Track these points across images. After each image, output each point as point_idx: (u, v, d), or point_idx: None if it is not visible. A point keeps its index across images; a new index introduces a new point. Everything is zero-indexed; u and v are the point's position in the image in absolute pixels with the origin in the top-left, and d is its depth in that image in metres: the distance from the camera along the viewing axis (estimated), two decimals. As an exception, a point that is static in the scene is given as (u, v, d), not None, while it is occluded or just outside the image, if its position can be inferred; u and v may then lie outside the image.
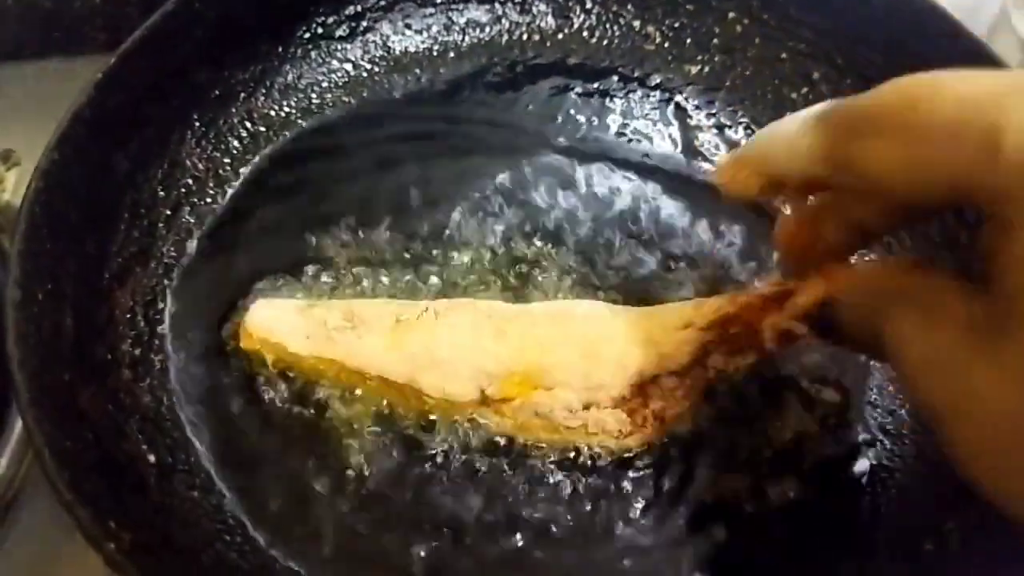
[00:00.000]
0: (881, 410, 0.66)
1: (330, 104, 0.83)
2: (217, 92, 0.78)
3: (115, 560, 0.47)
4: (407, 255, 0.72)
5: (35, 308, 0.58)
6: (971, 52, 0.71)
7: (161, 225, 0.71)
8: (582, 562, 0.59)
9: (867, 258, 0.73)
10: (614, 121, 0.82)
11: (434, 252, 0.72)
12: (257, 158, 0.79)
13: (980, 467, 0.38)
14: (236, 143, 0.78)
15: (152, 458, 0.60)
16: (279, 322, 0.66)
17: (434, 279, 0.71)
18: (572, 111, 0.83)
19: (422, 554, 0.59)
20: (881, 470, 0.63)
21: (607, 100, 0.83)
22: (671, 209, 0.76)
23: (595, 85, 0.84)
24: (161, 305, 0.68)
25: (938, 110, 0.37)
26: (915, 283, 0.43)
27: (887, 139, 0.39)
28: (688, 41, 0.84)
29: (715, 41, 0.83)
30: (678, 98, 0.83)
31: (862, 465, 0.64)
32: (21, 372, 0.53)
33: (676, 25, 0.84)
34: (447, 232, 0.74)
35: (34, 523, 0.69)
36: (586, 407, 0.62)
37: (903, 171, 0.38)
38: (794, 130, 0.45)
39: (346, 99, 0.83)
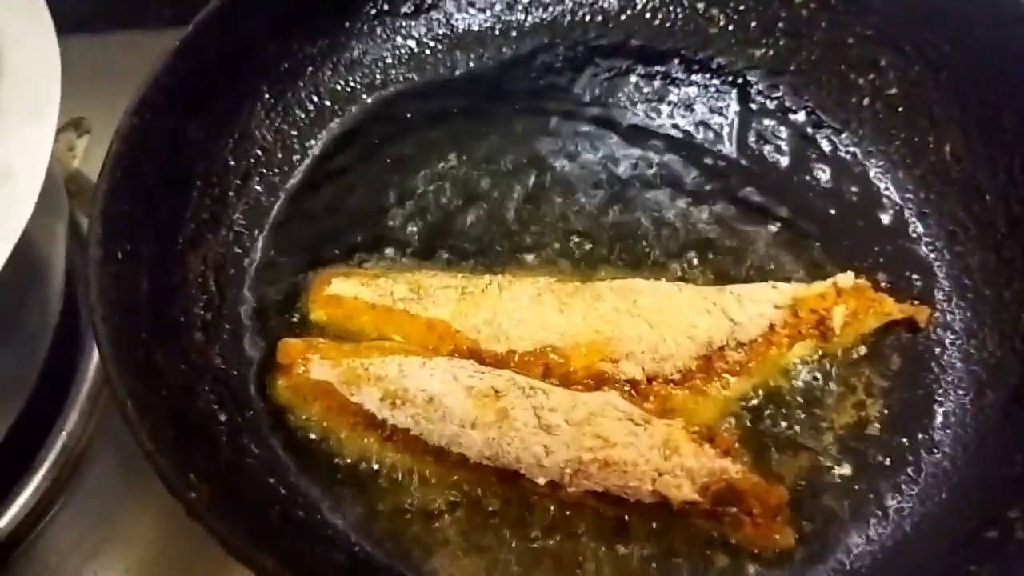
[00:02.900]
0: (946, 401, 0.66)
1: (394, 80, 0.84)
2: (286, 65, 0.79)
3: (196, 511, 0.48)
4: (469, 231, 0.73)
5: (115, 267, 0.59)
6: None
7: (231, 194, 0.73)
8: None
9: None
10: (675, 104, 0.82)
11: (496, 229, 0.73)
12: (323, 132, 0.80)
13: None
14: (303, 116, 0.80)
15: (223, 417, 0.61)
16: (345, 294, 0.67)
17: (496, 253, 0.72)
18: (633, 93, 0.83)
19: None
20: (944, 460, 0.63)
21: (669, 82, 0.83)
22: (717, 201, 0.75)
23: (657, 67, 0.84)
24: (232, 271, 0.70)
25: None
26: None
27: None
28: (753, 24, 0.83)
29: (780, 24, 0.82)
30: (741, 82, 0.83)
31: (926, 454, 0.63)
32: (104, 326, 0.54)
33: (741, 8, 0.84)
34: (507, 211, 0.75)
35: (101, 479, 0.70)
36: (650, 379, 0.62)
37: None
38: None
39: (410, 75, 0.84)
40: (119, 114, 0.66)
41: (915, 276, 0.71)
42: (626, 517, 0.59)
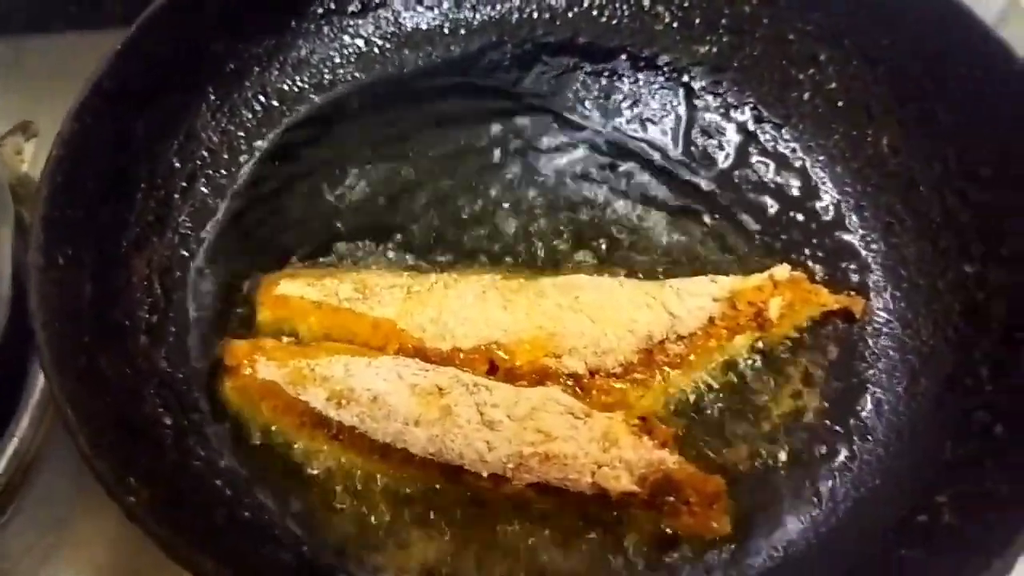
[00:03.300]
0: (880, 389, 0.67)
1: (342, 79, 0.84)
2: (232, 66, 0.79)
3: (135, 514, 0.49)
4: (415, 228, 0.74)
5: (56, 273, 0.60)
6: (979, 38, 0.71)
7: (177, 196, 0.73)
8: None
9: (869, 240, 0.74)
10: (621, 101, 0.83)
11: (439, 224, 0.74)
12: (271, 132, 0.80)
13: None
14: (250, 116, 0.80)
15: (168, 420, 0.62)
16: (292, 294, 0.68)
17: (444, 251, 0.73)
18: (580, 90, 0.83)
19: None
20: (878, 447, 0.65)
21: (615, 79, 0.84)
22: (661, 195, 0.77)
23: (604, 64, 0.85)
24: (178, 274, 0.70)
25: None
26: None
27: None
28: (697, 21, 0.85)
29: (724, 21, 0.84)
30: (686, 79, 0.84)
31: (860, 441, 0.65)
32: (44, 332, 0.55)
33: (686, 5, 0.85)
34: (455, 208, 0.75)
35: (52, 485, 0.70)
36: (593, 373, 0.63)
37: None
38: None
39: (358, 75, 0.85)
40: (68, 115, 0.66)
41: (851, 267, 0.73)
42: (568, 508, 0.60)
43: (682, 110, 0.82)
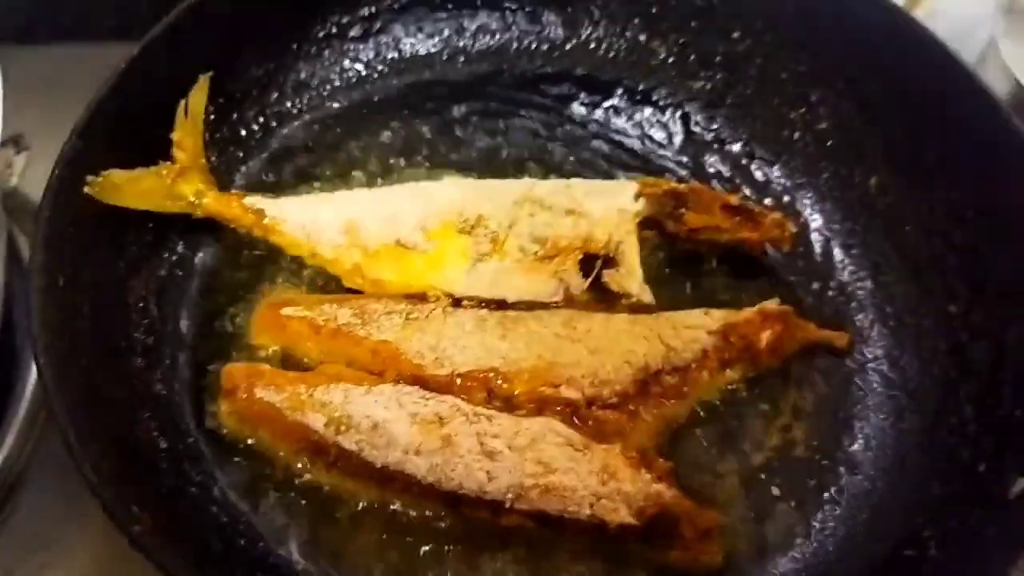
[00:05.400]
0: (867, 425, 0.69)
1: (339, 102, 0.85)
2: (232, 87, 0.79)
3: (140, 542, 0.49)
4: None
5: (57, 294, 0.59)
6: (961, 81, 0.74)
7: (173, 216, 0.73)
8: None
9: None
10: (616, 132, 0.84)
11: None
12: (265, 152, 0.80)
13: None
14: (246, 136, 0.80)
15: (164, 444, 0.61)
16: (290, 319, 0.68)
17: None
18: (577, 121, 0.85)
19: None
20: (866, 481, 0.66)
21: (611, 112, 0.86)
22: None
23: (600, 96, 0.87)
24: (173, 295, 0.70)
25: None
26: None
27: None
28: (692, 57, 0.86)
29: (718, 59, 0.85)
30: (680, 113, 0.86)
31: (848, 476, 0.66)
32: (46, 356, 0.54)
33: (681, 41, 0.87)
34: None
35: (40, 501, 0.70)
36: (590, 403, 0.64)
37: None
38: None
39: (355, 97, 0.85)
40: (59, 128, 0.66)
41: (840, 303, 0.74)
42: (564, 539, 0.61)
43: (677, 143, 0.84)
